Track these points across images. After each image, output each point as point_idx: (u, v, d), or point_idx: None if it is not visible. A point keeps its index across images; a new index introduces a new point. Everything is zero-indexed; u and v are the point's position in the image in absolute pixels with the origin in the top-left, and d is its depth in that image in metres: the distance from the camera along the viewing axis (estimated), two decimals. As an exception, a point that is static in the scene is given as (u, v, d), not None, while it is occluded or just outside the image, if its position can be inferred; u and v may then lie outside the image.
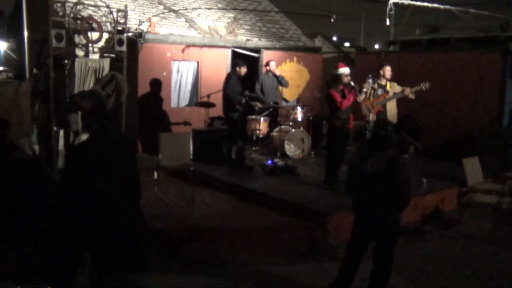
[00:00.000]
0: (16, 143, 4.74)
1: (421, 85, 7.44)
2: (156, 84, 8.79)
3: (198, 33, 9.76)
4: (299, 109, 8.98)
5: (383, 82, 7.69)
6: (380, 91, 7.66)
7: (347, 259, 4.23)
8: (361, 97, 7.27)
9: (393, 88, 7.72)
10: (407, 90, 7.44)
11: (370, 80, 7.43)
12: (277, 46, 10.44)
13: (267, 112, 8.96)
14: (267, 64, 9.11)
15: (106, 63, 7.87)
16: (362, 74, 8.46)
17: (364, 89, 7.38)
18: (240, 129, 7.81)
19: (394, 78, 8.01)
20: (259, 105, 8.73)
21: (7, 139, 3.98)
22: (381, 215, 3.95)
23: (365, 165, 3.96)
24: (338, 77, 6.57)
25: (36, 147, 7.34)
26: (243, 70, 7.68)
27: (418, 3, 9.00)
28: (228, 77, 7.72)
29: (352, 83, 6.54)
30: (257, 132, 8.76)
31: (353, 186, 4.16)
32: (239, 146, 7.71)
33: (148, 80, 8.69)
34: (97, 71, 7.78)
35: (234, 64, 7.88)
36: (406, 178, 3.92)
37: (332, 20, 9.97)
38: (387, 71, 7.61)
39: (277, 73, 8.99)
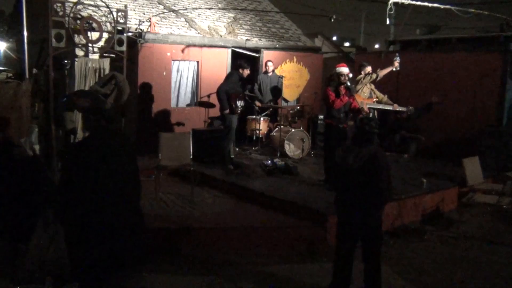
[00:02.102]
0: (17, 141, 4.74)
1: (407, 107, 8.26)
2: (156, 84, 8.79)
3: (198, 33, 9.76)
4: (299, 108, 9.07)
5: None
6: (368, 90, 8.14)
7: (338, 260, 4.24)
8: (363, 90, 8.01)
9: (371, 87, 8.22)
10: (396, 106, 8.17)
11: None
12: (277, 46, 10.44)
13: (266, 112, 8.97)
14: (265, 64, 9.17)
15: (106, 63, 7.87)
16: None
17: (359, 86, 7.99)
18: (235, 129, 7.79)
19: (394, 78, 8.16)
20: (258, 104, 8.76)
21: (8, 138, 3.97)
22: (363, 209, 3.98)
23: (348, 159, 4.01)
24: (333, 76, 6.59)
25: (37, 147, 7.35)
26: (246, 72, 7.64)
27: (418, 2, 8.99)
28: (229, 76, 7.66)
29: (348, 83, 6.51)
30: (257, 132, 8.76)
31: (338, 182, 4.20)
32: (229, 147, 7.69)
33: (148, 80, 8.69)
34: (97, 71, 7.77)
35: (237, 65, 7.80)
36: (387, 173, 3.97)
37: (332, 20, 9.98)
38: (369, 71, 8.13)
39: (270, 73, 9.09)
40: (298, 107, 9.26)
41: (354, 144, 4.13)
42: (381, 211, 4.11)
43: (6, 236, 3.58)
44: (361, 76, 8.17)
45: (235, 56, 9.50)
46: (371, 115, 7.77)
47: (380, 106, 8.08)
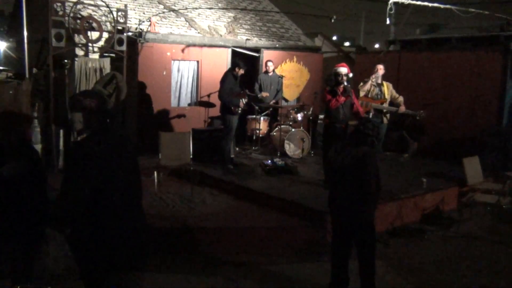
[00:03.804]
0: (27, 139, 4.72)
1: (417, 112, 8.12)
2: (156, 84, 8.79)
3: (198, 32, 9.76)
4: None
5: (379, 80, 8.07)
6: (377, 90, 8.03)
7: (334, 259, 4.26)
8: (364, 88, 7.99)
9: (388, 88, 8.11)
10: (402, 109, 8.02)
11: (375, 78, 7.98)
12: (277, 45, 10.44)
13: (266, 112, 8.97)
14: (266, 64, 9.16)
15: (106, 62, 7.87)
16: (362, 74, 8.50)
17: (371, 81, 7.96)
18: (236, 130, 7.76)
19: (394, 78, 8.12)
20: (264, 94, 8.77)
21: (25, 135, 3.96)
22: (353, 207, 4.01)
23: (337, 158, 4.07)
24: (331, 76, 6.58)
25: (38, 146, 7.35)
26: (240, 71, 7.41)
27: (419, 2, 9.00)
28: (224, 79, 7.47)
29: (345, 83, 6.41)
30: (257, 132, 8.76)
31: (329, 179, 4.24)
32: (229, 147, 7.66)
33: (148, 79, 8.69)
34: (97, 70, 7.77)
35: (233, 64, 7.69)
36: (374, 174, 4.01)
37: (332, 20, 9.99)
38: (379, 70, 8.06)
39: (270, 73, 9.10)
40: (298, 107, 9.26)
41: (347, 143, 4.17)
42: (372, 211, 4.13)
43: (7, 237, 3.58)
44: (365, 85, 8.09)
45: (235, 55, 9.49)
46: (371, 115, 7.74)
47: (385, 110, 7.96)
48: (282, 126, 8.77)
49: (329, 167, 4.26)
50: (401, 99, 8.11)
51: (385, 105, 7.98)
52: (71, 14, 7.61)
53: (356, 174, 3.97)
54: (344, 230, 4.17)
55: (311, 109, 9.34)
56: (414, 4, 8.98)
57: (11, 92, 6.91)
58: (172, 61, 9.03)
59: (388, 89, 8.09)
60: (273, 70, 9.29)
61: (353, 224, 4.09)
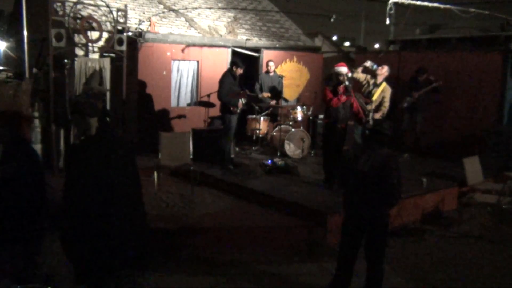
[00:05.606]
0: (27, 139, 4.70)
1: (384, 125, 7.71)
2: (156, 84, 8.78)
3: (198, 32, 9.75)
4: (299, 108, 9.01)
5: (378, 81, 7.80)
6: (369, 89, 7.80)
7: (342, 257, 4.23)
8: (359, 70, 7.86)
9: (383, 91, 7.74)
10: (375, 115, 7.61)
11: (370, 62, 7.78)
12: (277, 45, 10.44)
13: (266, 111, 8.97)
14: (267, 64, 9.16)
15: (106, 62, 7.86)
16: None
17: (366, 65, 7.77)
18: (236, 129, 7.75)
19: (394, 78, 8.07)
20: (265, 95, 8.75)
21: (19, 133, 3.95)
22: (372, 210, 3.97)
23: (359, 161, 4.00)
24: (331, 76, 6.57)
25: (38, 146, 7.34)
26: (239, 71, 7.41)
27: (419, 2, 8.98)
28: (222, 79, 7.44)
29: (347, 82, 6.40)
30: (257, 131, 8.76)
31: (346, 182, 4.19)
32: (229, 147, 7.66)
33: (148, 79, 8.69)
34: (97, 70, 7.77)
35: (231, 62, 7.63)
36: (398, 177, 3.96)
37: (332, 20, 9.98)
38: (379, 70, 7.77)
39: (271, 73, 9.08)
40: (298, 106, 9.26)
41: (365, 145, 4.11)
42: (388, 211, 4.10)
43: (7, 237, 3.58)
44: (360, 68, 8.00)
45: (235, 55, 9.49)
46: (371, 115, 7.70)
47: (366, 109, 7.77)
48: (282, 126, 8.77)
49: (347, 169, 4.18)
50: (384, 110, 7.69)
51: (368, 107, 7.76)
52: (71, 14, 7.60)
53: (378, 178, 3.90)
54: (357, 232, 4.10)
55: (311, 109, 9.34)
56: (414, 4, 8.97)
57: (11, 92, 6.90)
58: (172, 61, 9.03)
59: (380, 92, 7.72)
60: (274, 70, 9.29)
61: (370, 226, 4.02)
